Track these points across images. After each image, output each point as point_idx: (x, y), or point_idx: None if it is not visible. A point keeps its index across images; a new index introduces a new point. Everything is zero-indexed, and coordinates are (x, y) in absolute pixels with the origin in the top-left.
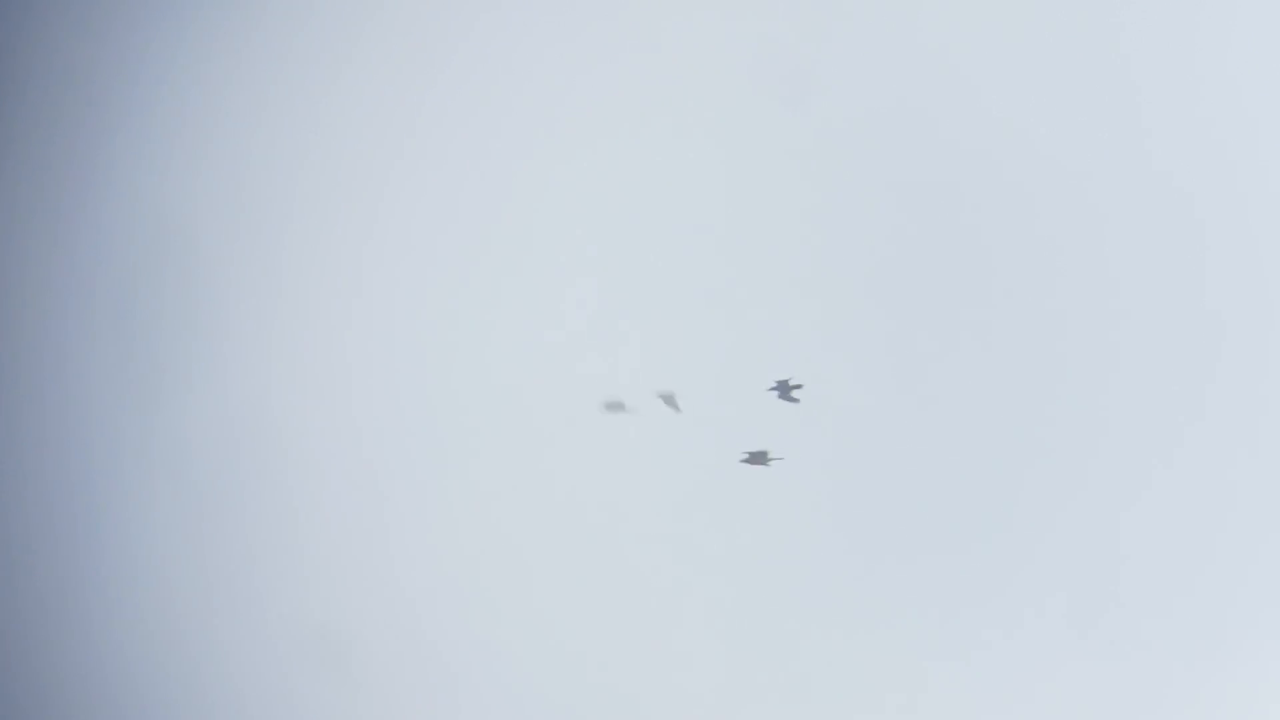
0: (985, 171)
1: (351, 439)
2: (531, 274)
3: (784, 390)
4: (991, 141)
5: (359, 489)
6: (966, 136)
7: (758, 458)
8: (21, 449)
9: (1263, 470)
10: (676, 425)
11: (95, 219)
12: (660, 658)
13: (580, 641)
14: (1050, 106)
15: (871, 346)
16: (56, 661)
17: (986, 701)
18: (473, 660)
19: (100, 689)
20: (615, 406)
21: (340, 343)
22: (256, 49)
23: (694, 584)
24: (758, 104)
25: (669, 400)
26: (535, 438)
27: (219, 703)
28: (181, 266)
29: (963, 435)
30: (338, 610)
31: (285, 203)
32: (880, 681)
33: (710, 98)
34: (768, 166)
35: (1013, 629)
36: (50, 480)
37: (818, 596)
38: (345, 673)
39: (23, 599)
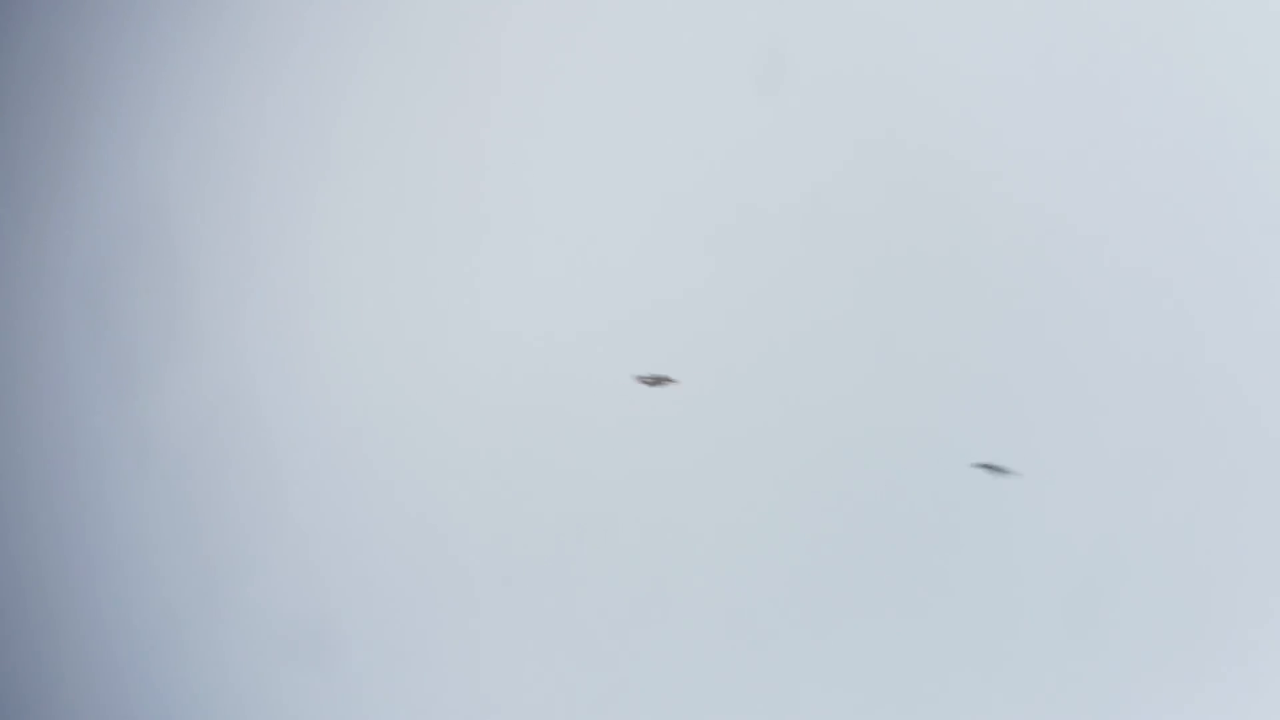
0: (963, 152)
1: (331, 427)
2: (507, 260)
3: None
4: (968, 119)
5: (339, 477)
6: (942, 114)
7: (658, 380)
8: None
9: (1262, 470)
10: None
11: (67, 205)
12: (645, 646)
13: (565, 632)
14: (1039, 96)
15: (868, 345)
16: (24, 653)
17: (983, 701)
18: (455, 652)
19: (70, 680)
20: (651, 380)
21: (319, 331)
22: (230, 31)
23: (682, 582)
24: (731, 88)
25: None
26: (515, 426)
27: (194, 695)
28: (156, 252)
29: (957, 433)
30: (317, 602)
31: (263, 187)
32: (873, 681)
33: (682, 80)
34: (741, 151)
35: (1008, 629)
36: (21, 471)
37: (810, 595)
38: (324, 665)
39: None
